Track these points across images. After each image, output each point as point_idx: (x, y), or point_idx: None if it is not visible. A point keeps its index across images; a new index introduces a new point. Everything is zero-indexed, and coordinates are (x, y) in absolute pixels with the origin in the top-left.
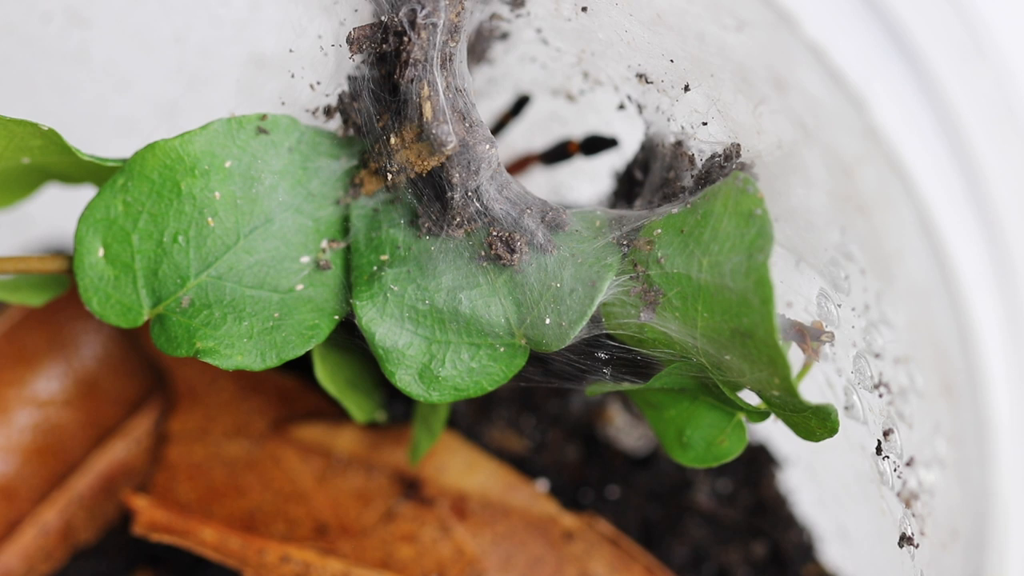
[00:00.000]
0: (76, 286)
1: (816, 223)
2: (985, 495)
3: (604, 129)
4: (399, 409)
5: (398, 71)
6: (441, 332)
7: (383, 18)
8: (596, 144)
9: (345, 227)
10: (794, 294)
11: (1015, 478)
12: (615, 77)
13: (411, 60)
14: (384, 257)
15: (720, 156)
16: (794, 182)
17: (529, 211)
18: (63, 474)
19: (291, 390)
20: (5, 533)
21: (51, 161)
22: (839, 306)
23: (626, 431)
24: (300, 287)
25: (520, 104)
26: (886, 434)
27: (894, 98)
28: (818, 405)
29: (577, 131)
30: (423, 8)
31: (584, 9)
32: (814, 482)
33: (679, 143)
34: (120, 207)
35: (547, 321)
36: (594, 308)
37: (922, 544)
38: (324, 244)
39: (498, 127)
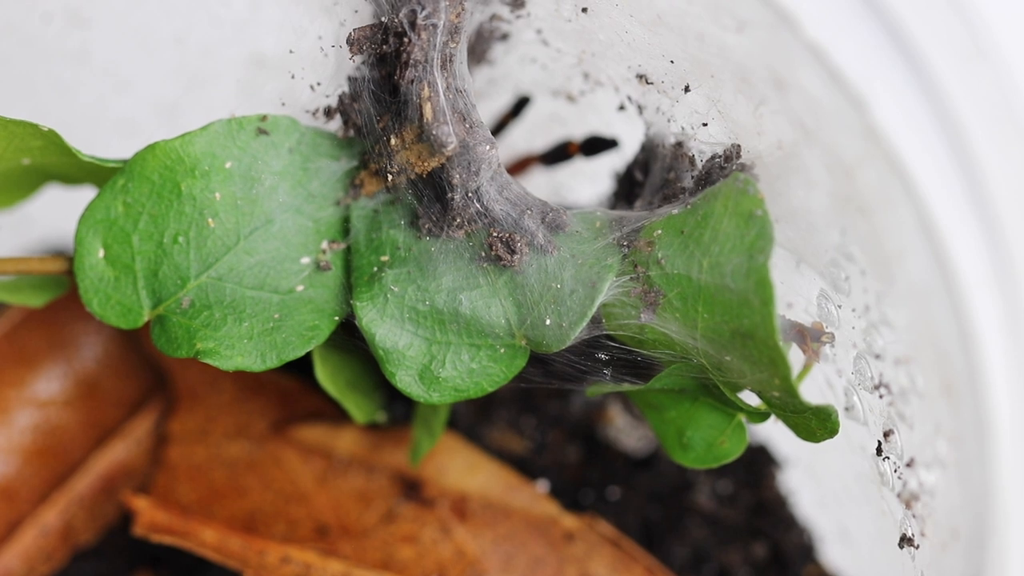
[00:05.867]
0: (76, 287)
1: (816, 224)
2: (985, 495)
3: (604, 130)
4: (399, 410)
5: (398, 72)
6: (441, 333)
7: (383, 19)
8: (596, 145)
9: (345, 228)
10: (794, 295)
11: (1015, 478)
12: (615, 78)
13: (411, 61)
14: (384, 258)
15: (720, 157)
16: (794, 183)
17: (529, 212)
18: (63, 475)
19: (292, 391)
20: (5, 534)
21: (51, 162)
22: (839, 307)
23: (627, 432)
24: (300, 288)
25: (520, 105)
26: (886, 435)
27: (894, 98)
28: (818, 406)
29: (577, 132)
30: (423, 9)
31: (584, 10)
32: (814, 483)
33: (679, 144)
34: (120, 208)
35: (547, 322)
36: (594, 309)
37: (922, 545)
38: (324, 245)
39: (498, 128)
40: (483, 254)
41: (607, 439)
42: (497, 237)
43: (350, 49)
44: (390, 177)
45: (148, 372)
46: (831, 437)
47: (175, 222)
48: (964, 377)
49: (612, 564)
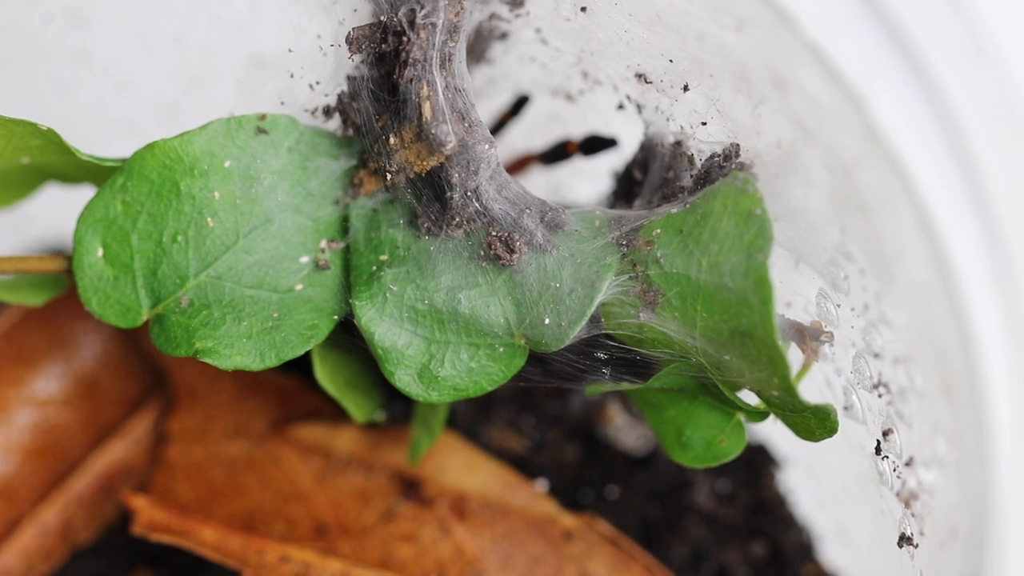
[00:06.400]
0: (75, 286)
1: (816, 223)
2: (985, 495)
3: (603, 129)
4: (399, 409)
5: (397, 71)
6: (440, 332)
7: (382, 18)
8: (595, 144)
9: (344, 227)
10: (793, 294)
11: (1015, 478)
12: (614, 77)
13: (410, 60)
14: (383, 257)
15: (719, 156)
16: (794, 182)
17: (528, 211)
18: (62, 474)
19: (291, 390)
20: (4, 533)
21: (51, 161)
22: (838, 306)
23: (626, 431)
24: (299, 287)
25: (519, 104)
26: (885, 434)
27: (894, 98)
28: (817, 405)
29: (576, 131)
30: (422, 8)
31: (583, 9)
32: (813, 482)
33: (678, 143)
34: (119, 207)
35: (546, 321)
36: (593, 308)
37: (921, 544)
38: (323, 244)
39: (497, 127)
40: (482, 253)
41: (606, 438)
42: (496, 236)
43: (349, 48)
44: (389, 176)
45: (147, 371)
46: (830, 436)
47: (174, 221)
48: (963, 377)
49: (611, 563)
